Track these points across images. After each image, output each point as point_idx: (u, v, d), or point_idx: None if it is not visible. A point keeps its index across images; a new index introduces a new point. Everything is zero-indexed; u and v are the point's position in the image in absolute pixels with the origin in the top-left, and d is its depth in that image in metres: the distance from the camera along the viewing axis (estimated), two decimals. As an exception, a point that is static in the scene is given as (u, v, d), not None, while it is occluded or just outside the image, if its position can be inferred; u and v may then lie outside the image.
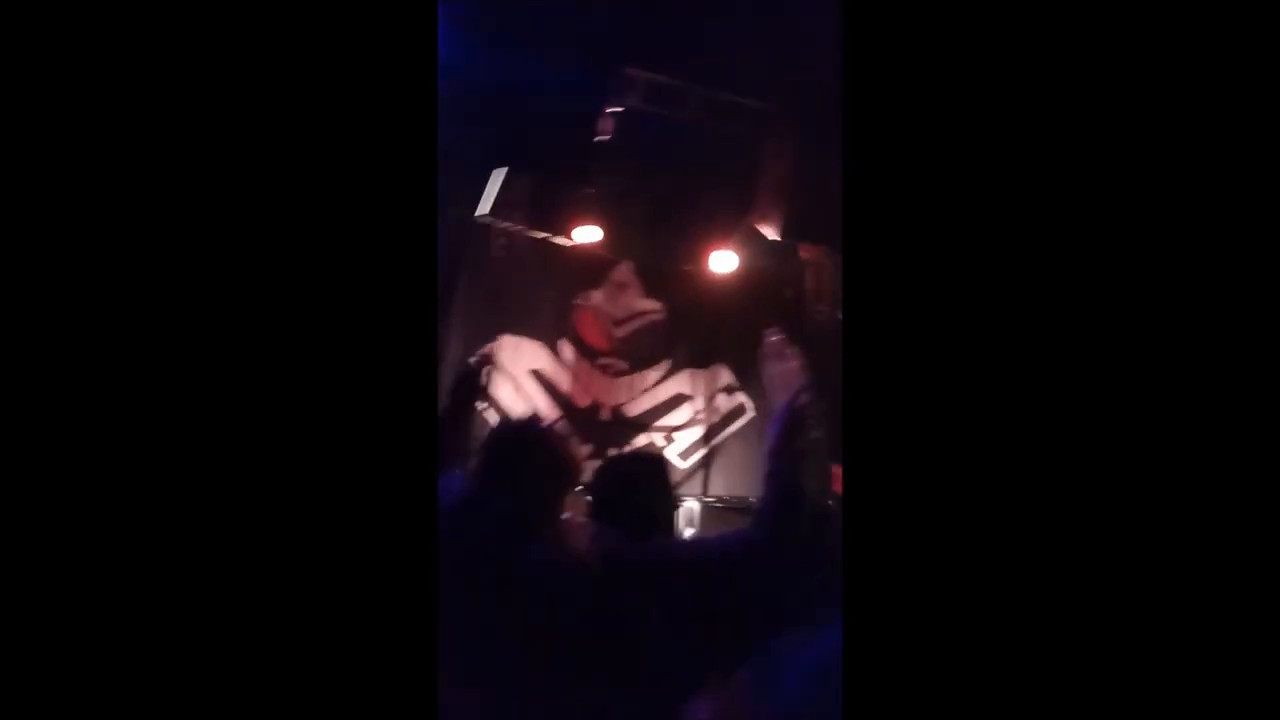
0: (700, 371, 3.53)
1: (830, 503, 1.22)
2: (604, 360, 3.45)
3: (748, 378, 3.50)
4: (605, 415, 3.40)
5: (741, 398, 3.53)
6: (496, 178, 3.25)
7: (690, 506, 3.27)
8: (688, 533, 3.12)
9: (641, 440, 3.40)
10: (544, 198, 3.28)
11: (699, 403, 3.50)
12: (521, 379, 3.36)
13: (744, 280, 3.45)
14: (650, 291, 3.53)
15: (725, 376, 3.53)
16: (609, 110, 3.22)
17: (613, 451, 3.31)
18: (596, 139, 3.25)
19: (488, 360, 3.19)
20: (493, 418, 3.29)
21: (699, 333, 3.51)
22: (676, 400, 3.48)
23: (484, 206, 3.26)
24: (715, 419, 3.49)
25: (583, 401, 3.39)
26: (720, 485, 3.40)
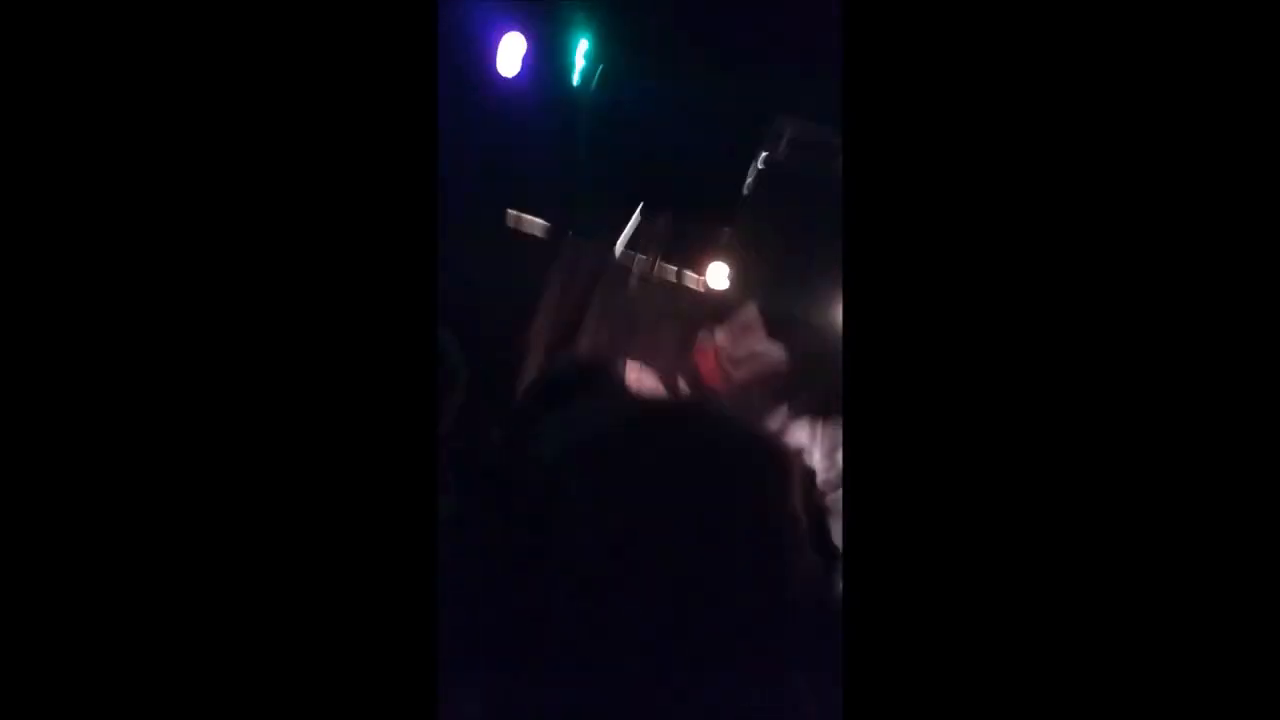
0: (820, 425, 3.45)
1: None
2: (719, 397, 3.46)
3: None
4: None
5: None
6: (636, 215, 3.38)
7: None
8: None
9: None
10: (680, 235, 3.37)
11: (816, 456, 3.42)
12: (636, 408, 3.43)
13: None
14: (774, 337, 3.51)
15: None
16: (759, 156, 3.28)
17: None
18: (743, 183, 3.31)
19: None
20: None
21: (821, 385, 3.45)
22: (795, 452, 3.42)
23: (622, 241, 3.39)
24: (833, 474, 3.39)
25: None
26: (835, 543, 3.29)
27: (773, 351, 3.48)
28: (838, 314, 3.42)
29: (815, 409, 3.48)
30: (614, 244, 3.34)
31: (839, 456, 3.46)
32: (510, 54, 2.92)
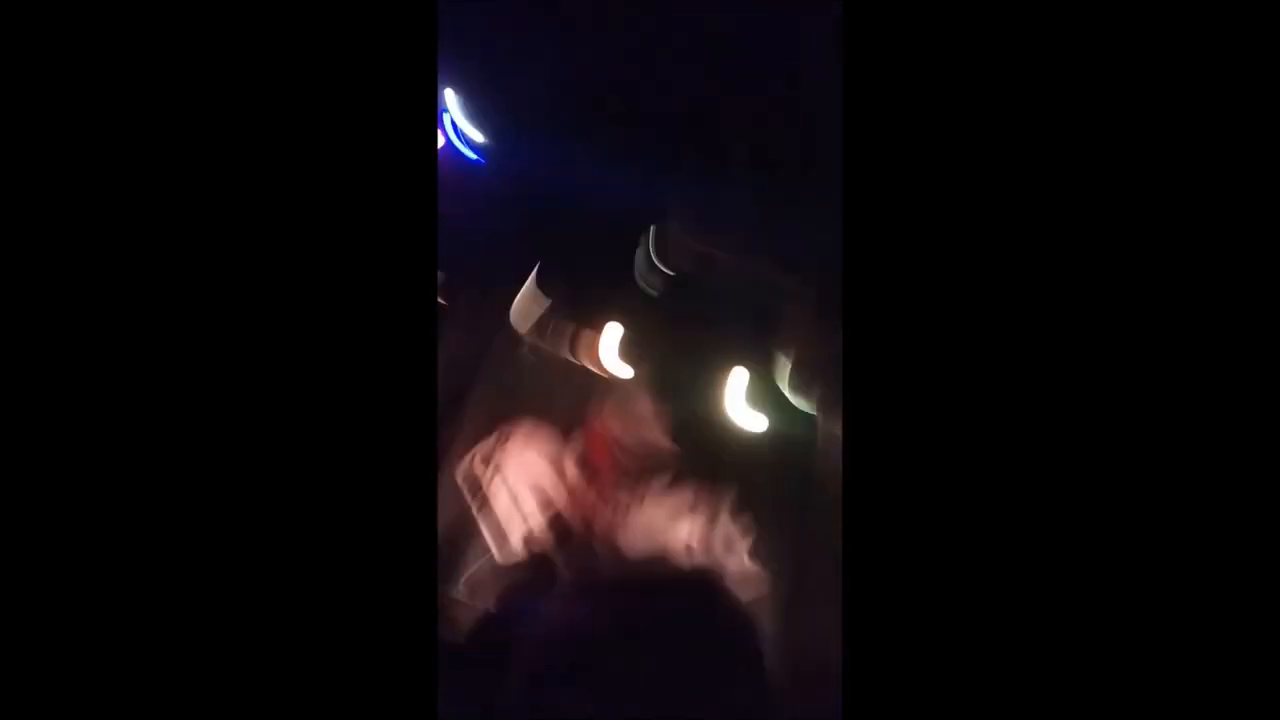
0: (707, 497, 3.35)
1: None
2: (608, 479, 3.34)
3: (765, 533, 3.29)
4: (600, 535, 3.23)
5: (746, 546, 3.29)
6: (531, 280, 3.41)
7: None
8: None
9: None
10: (572, 315, 3.39)
11: (703, 532, 3.29)
12: (520, 490, 3.27)
13: (766, 423, 3.37)
14: (663, 414, 3.47)
15: (729, 511, 3.33)
16: (648, 240, 3.39)
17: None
18: (633, 266, 3.39)
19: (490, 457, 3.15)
20: (485, 530, 3.19)
21: (711, 464, 3.38)
22: (678, 529, 3.28)
23: (515, 318, 3.39)
24: (717, 550, 3.24)
25: (579, 521, 3.24)
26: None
27: (663, 442, 3.42)
28: (729, 394, 3.41)
29: (704, 487, 3.37)
30: (508, 311, 3.34)
31: (735, 548, 3.32)
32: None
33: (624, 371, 3.39)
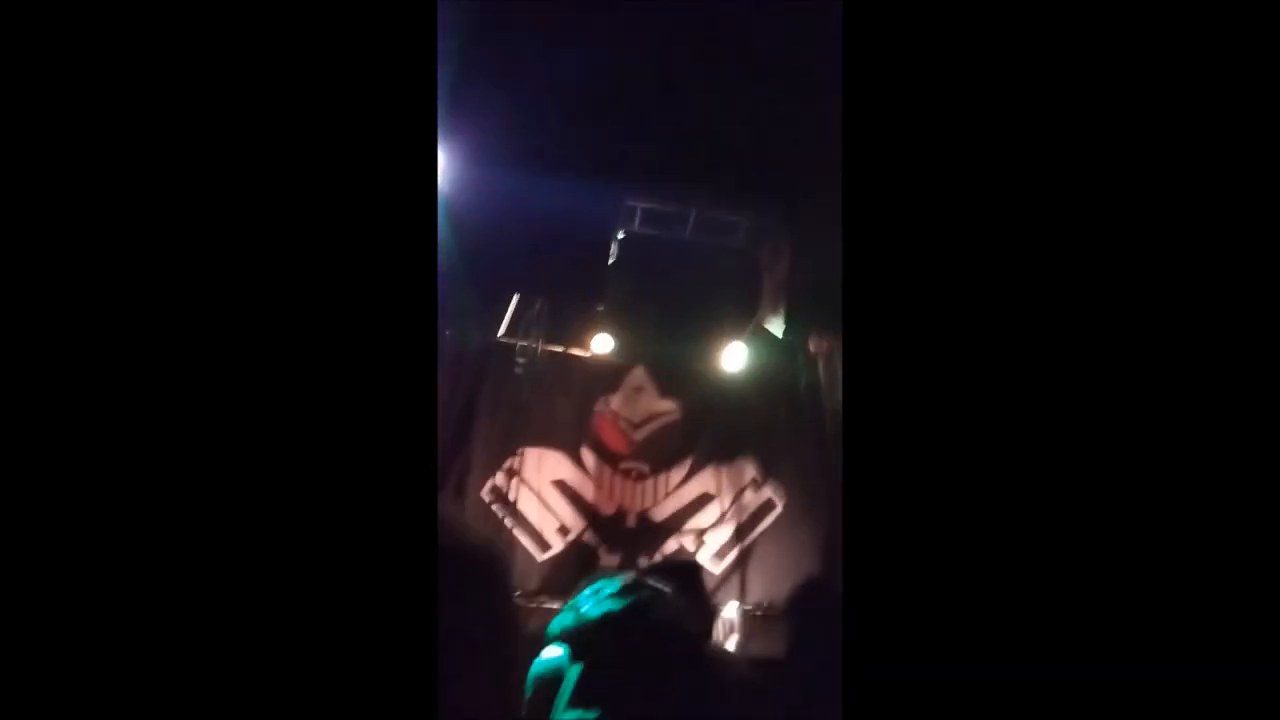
0: (723, 467, 3.53)
1: None
2: (626, 465, 3.49)
3: (771, 470, 3.52)
4: (632, 521, 3.40)
5: (768, 492, 3.52)
6: (513, 302, 3.45)
7: (728, 616, 3.18)
8: (729, 644, 3.03)
9: (672, 545, 3.38)
10: (558, 316, 3.45)
11: (725, 501, 3.48)
12: (545, 491, 3.41)
13: (756, 374, 3.54)
14: (665, 393, 3.60)
15: (750, 471, 3.53)
16: (616, 236, 3.44)
17: (643, 559, 3.29)
18: (607, 261, 3.44)
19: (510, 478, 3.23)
20: (521, 536, 3.32)
21: (717, 429, 3.55)
22: (702, 500, 3.47)
23: (503, 328, 3.44)
24: (744, 517, 3.46)
25: (609, 509, 3.40)
26: (757, 589, 3.34)
27: (666, 408, 3.58)
28: (718, 361, 3.55)
29: (717, 455, 3.58)
30: (494, 335, 3.38)
31: (747, 496, 3.55)
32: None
33: (606, 346, 3.49)
